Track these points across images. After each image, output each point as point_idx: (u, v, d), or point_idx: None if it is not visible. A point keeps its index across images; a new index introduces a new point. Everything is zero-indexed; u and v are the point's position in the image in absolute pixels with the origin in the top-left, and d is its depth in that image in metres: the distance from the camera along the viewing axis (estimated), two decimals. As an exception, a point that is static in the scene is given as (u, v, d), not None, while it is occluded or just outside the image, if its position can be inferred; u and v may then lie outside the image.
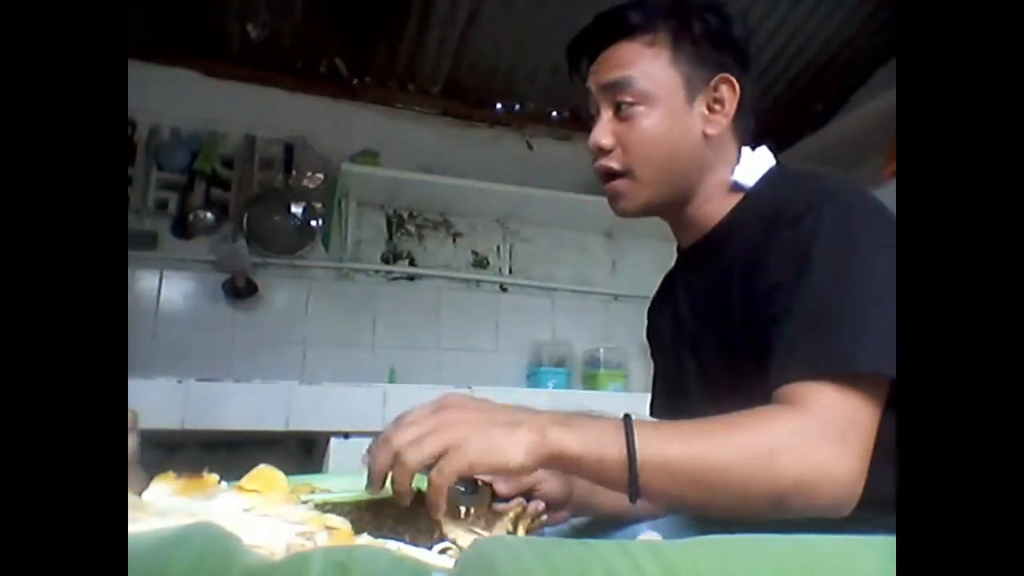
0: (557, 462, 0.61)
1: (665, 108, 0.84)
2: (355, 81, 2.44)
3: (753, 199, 0.85)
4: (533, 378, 2.39)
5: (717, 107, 0.86)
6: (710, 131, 0.85)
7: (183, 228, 2.23)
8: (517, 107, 2.62)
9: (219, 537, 0.31)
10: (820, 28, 2.24)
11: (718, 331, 0.83)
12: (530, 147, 2.66)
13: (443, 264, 2.50)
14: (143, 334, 2.10)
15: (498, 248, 2.57)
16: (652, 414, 1.07)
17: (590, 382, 2.37)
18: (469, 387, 1.81)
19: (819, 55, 2.32)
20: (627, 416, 0.63)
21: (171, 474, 0.54)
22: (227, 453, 1.73)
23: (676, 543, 0.35)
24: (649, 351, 1.09)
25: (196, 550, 0.28)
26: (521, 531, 0.62)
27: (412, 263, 2.47)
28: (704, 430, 0.64)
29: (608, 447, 0.61)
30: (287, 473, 0.62)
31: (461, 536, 0.56)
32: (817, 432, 0.62)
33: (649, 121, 0.84)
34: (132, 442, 0.68)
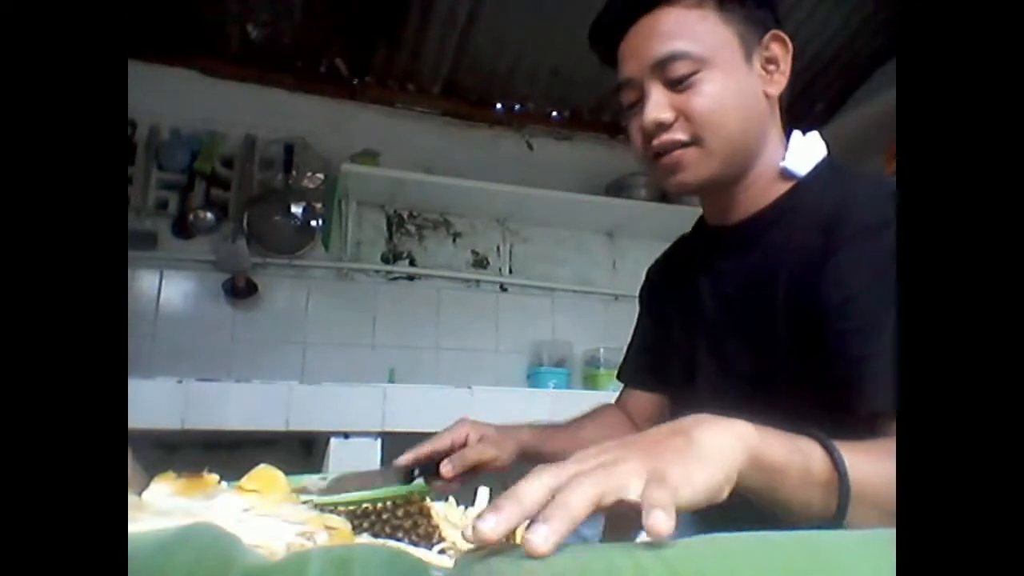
0: (758, 470, 0.50)
1: (726, 69, 0.77)
2: (355, 81, 2.44)
3: (807, 191, 0.80)
4: (533, 378, 2.39)
5: (771, 67, 0.80)
6: (771, 90, 0.80)
7: (183, 228, 2.23)
8: (517, 107, 2.62)
9: (219, 537, 0.31)
10: (820, 28, 2.24)
11: (750, 324, 0.79)
12: (530, 147, 2.66)
13: (443, 264, 2.50)
14: (143, 334, 2.10)
15: (498, 248, 2.57)
16: (622, 374, 1.04)
17: (590, 382, 2.37)
18: (469, 387, 1.81)
19: (819, 55, 2.32)
20: (812, 431, 0.56)
21: (171, 474, 0.54)
22: (227, 453, 1.73)
23: (678, 543, 0.35)
24: (640, 309, 1.05)
25: (196, 550, 0.28)
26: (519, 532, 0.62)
27: (412, 263, 2.47)
28: (882, 453, 0.57)
29: (813, 460, 0.53)
30: (287, 473, 0.63)
31: (459, 540, 0.56)
32: None
33: (713, 86, 0.76)
34: None
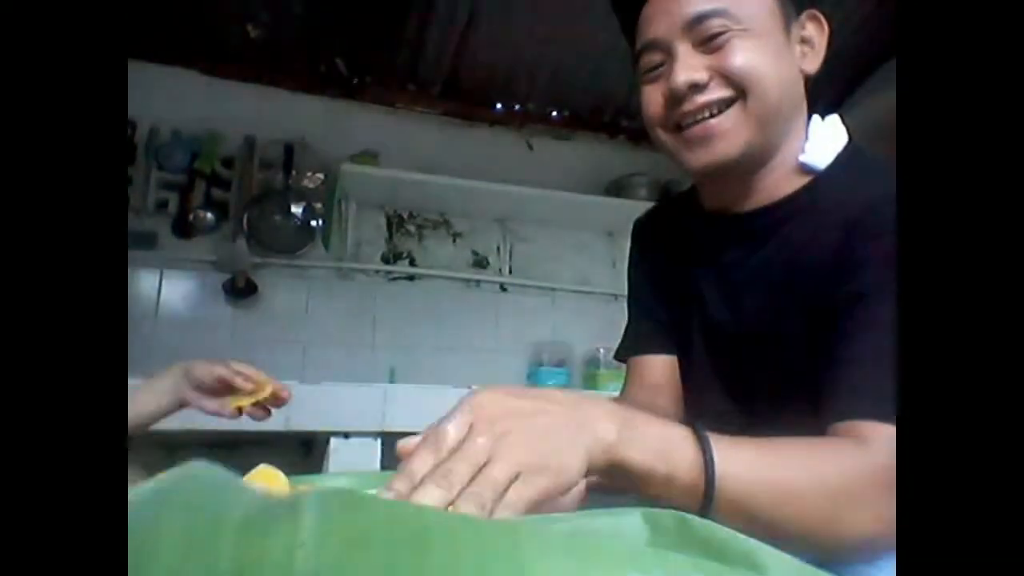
0: (618, 473, 0.52)
1: (763, 35, 0.71)
2: (355, 81, 2.44)
3: (827, 186, 0.75)
4: (533, 378, 2.39)
5: (807, 47, 0.76)
6: (807, 68, 0.75)
7: (183, 228, 2.23)
8: (517, 107, 2.62)
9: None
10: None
11: (760, 318, 0.76)
12: (530, 147, 2.66)
13: (443, 264, 2.50)
14: (143, 334, 2.10)
15: (498, 248, 2.57)
16: (624, 349, 0.97)
17: (590, 382, 2.37)
18: (469, 387, 1.80)
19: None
20: (697, 428, 0.55)
21: (162, 475, 0.54)
22: (227, 453, 1.73)
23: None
24: (632, 279, 0.99)
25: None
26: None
27: (412, 263, 2.47)
28: (783, 456, 0.57)
29: (679, 464, 0.53)
30: (287, 473, 0.62)
31: None
32: (886, 482, 0.54)
33: (749, 46, 0.70)
34: None
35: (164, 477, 0.30)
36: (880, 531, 0.54)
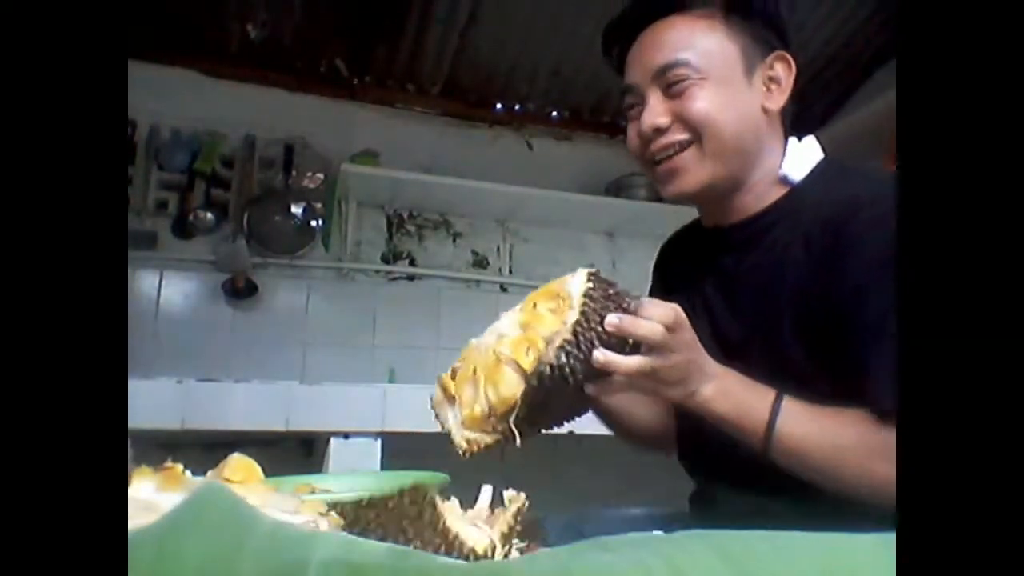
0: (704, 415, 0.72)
1: (724, 81, 0.81)
2: (355, 81, 2.44)
3: (805, 192, 0.82)
4: (533, 378, 2.38)
5: (774, 85, 0.84)
6: (769, 105, 0.83)
7: (183, 228, 2.23)
8: (517, 107, 2.62)
9: (227, 513, 0.30)
10: (820, 28, 2.24)
11: (755, 321, 0.82)
12: (530, 147, 2.66)
13: (443, 264, 2.50)
14: (143, 334, 2.10)
15: (498, 248, 2.57)
16: None
17: (590, 382, 2.37)
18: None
19: (819, 55, 2.32)
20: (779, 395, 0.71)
21: (147, 469, 0.54)
22: (227, 453, 1.72)
23: (682, 538, 0.35)
24: (653, 284, 1.06)
25: (205, 534, 0.27)
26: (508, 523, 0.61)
27: (412, 263, 2.47)
28: (838, 421, 0.71)
29: (750, 416, 0.71)
30: (287, 473, 0.62)
31: (463, 530, 0.56)
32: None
33: (706, 91, 0.80)
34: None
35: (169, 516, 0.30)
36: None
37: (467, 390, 0.68)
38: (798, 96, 0.86)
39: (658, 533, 0.62)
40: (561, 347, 0.62)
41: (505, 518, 0.61)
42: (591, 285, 0.67)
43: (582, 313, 0.64)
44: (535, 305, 0.68)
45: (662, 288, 1.04)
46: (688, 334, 0.69)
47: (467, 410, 0.66)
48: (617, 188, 2.51)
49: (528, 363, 0.63)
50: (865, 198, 0.74)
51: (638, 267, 2.83)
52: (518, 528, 0.59)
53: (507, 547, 0.55)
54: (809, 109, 2.46)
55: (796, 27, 2.24)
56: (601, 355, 0.63)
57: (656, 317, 0.66)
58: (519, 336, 0.66)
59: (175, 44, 2.24)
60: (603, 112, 2.65)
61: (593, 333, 0.64)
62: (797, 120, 0.89)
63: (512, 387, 0.63)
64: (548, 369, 0.62)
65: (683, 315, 0.69)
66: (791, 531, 0.34)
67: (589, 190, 2.52)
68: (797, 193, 0.83)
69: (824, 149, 0.87)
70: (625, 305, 0.67)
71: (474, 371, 0.68)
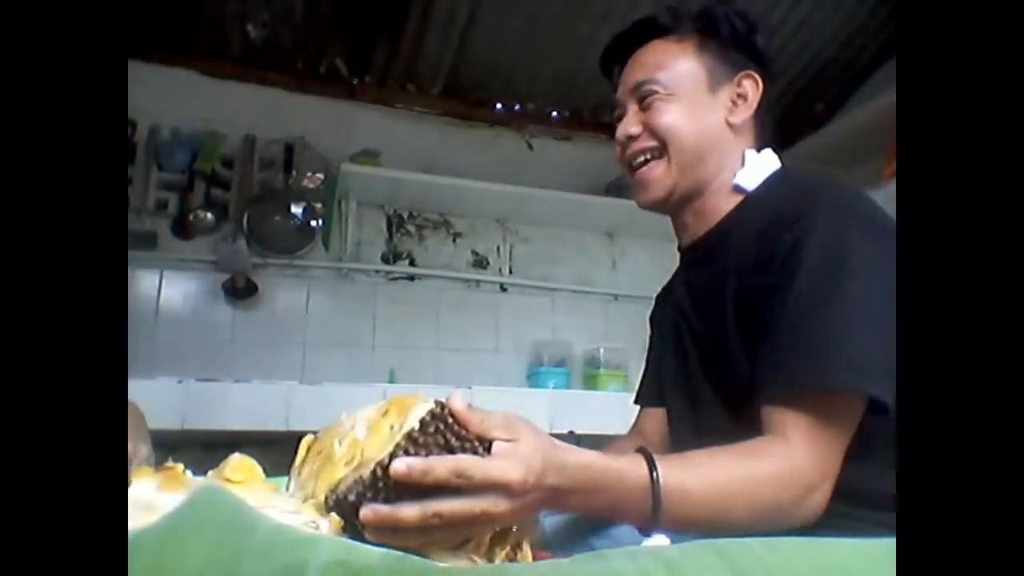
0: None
1: (688, 97, 0.90)
2: (355, 81, 2.44)
3: (753, 201, 0.88)
4: (533, 378, 2.38)
5: (740, 101, 0.91)
6: (732, 119, 0.90)
7: (183, 228, 2.23)
8: (517, 107, 2.62)
9: (228, 517, 0.30)
10: (820, 28, 2.24)
11: (715, 330, 0.85)
12: (530, 147, 2.66)
13: (443, 264, 2.50)
14: (143, 334, 2.10)
15: (498, 248, 2.57)
16: (638, 397, 1.10)
17: (590, 382, 2.37)
18: (469, 387, 1.81)
19: (819, 55, 2.32)
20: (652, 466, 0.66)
21: (147, 469, 0.54)
22: (227, 453, 1.73)
23: (680, 547, 0.35)
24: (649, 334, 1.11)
25: (207, 536, 0.27)
26: (528, 551, 0.61)
27: (412, 263, 2.47)
28: (718, 465, 0.69)
29: (631, 504, 0.65)
30: (287, 473, 0.62)
31: (450, 561, 0.55)
32: (805, 482, 0.68)
33: (671, 105, 0.90)
34: (143, 448, 0.69)
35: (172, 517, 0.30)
36: (794, 503, 0.68)
37: (306, 469, 0.64)
38: (798, 88, 0.88)
39: (660, 536, 0.62)
40: (356, 482, 0.53)
41: (504, 546, 0.60)
42: (428, 422, 0.57)
43: (393, 453, 0.54)
44: (386, 412, 0.61)
45: (655, 333, 1.10)
46: (533, 477, 0.58)
47: (301, 491, 0.61)
48: (617, 188, 2.51)
49: (333, 481, 0.57)
50: (807, 205, 0.77)
51: (638, 267, 2.83)
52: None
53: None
54: (809, 109, 2.46)
55: (796, 27, 2.24)
56: (371, 512, 0.52)
57: (492, 476, 0.56)
58: (348, 446, 0.60)
59: (175, 44, 2.24)
60: (603, 112, 2.64)
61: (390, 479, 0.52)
62: (796, 123, 0.90)
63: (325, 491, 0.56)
64: (335, 498, 0.54)
65: (533, 461, 0.59)
66: (789, 535, 0.34)
67: (589, 190, 2.52)
68: (748, 202, 0.88)
69: (815, 155, 0.91)
70: (475, 450, 0.57)
71: (319, 452, 0.66)
